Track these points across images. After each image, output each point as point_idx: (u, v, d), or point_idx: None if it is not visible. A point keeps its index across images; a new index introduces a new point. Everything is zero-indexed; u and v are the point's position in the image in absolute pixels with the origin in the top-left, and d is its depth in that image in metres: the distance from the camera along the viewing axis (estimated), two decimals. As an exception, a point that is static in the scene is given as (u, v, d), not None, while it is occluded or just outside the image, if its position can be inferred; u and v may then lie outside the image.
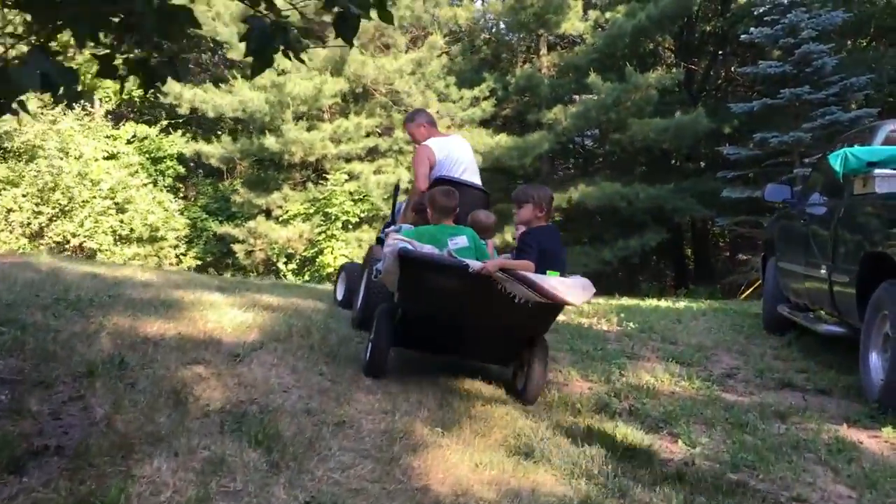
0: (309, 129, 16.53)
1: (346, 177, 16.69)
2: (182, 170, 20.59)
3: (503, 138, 17.10)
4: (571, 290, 3.92)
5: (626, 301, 10.20)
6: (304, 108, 16.27)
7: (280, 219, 17.59)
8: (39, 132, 15.24)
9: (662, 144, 18.13)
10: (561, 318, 7.20)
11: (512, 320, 4.02)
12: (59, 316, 4.34)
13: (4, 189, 14.82)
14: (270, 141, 15.87)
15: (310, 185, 17.84)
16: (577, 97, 18.98)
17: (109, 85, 19.66)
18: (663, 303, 10.19)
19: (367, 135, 17.70)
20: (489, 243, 4.68)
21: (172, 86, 16.56)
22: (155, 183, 19.47)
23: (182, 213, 20.06)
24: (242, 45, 10.50)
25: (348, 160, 17.46)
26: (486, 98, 18.46)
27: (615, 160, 21.83)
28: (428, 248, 4.01)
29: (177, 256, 19.02)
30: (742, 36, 16.04)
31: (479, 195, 5.38)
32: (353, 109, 17.80)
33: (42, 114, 16.01)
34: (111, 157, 18.20)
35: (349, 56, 15.88)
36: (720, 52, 23.14)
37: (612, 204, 17.27)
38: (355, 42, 13.03)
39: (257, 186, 18.98)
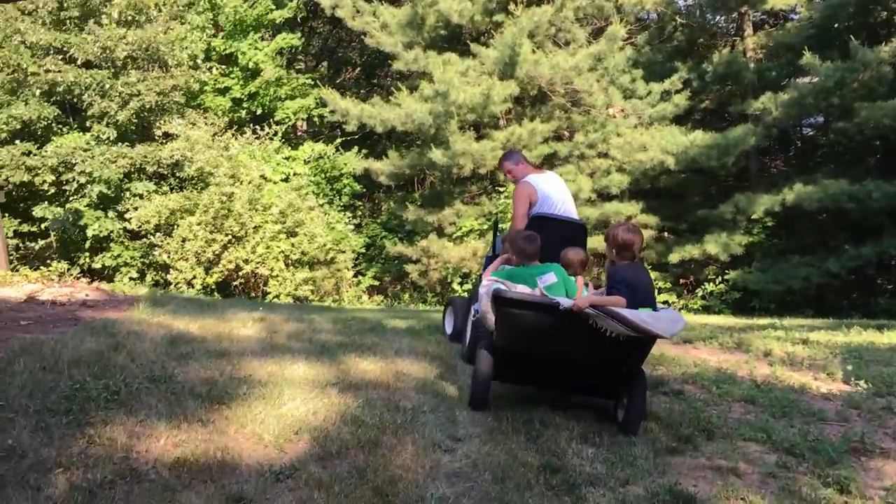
0: (478, 139, 16.70)
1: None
2: (358, 187, 21.63)
3: (699, 135, 16.34)
4: (661, 322, 4.39)
5: (856, 336, 9.01)
6: (471, 117, 16.47)
7: (453, 236, 17.94)
8: (211, 158, 16.55)
9: (901, 131, 16.50)
10: (763, 371, 6.71)
11: (605, 354, 4.50)
12: (44, 429, 3.73)
13: (181, 218, 16.21)
14: (437, 154, 16.20)
15: (484, 198, 18.04)
16: (790, 82, 17.78)
17: (290, 105, 21.20)
18: (911, 336, 9.00)
19: (545, 140, 17.62)
20: (579, 279, 5.20)
21: (338, 102, 17.47)
22: (331, 202, 20.63)
23: (360, 232, 21.10)
24: (408, 55, 10.93)
25: (524, 170, 17.42)
26: (678, 91, 17.79)
27: (840, 153, 20.13)
28: (521, 288, 4.61)
29: (355, 276, 19.98)
30: None
31: (577, 228, 6.02)
32: (528, 114, 17.77)
33: (214, 139, 17.46)
34: (285, 179, 19.52)
35: (520, 56, 15.89)
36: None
37: (837, 205, 15.92)
38: (527, 39, 12.94)
39: (430, 202, 19.50)
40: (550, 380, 4.93)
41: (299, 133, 24.29)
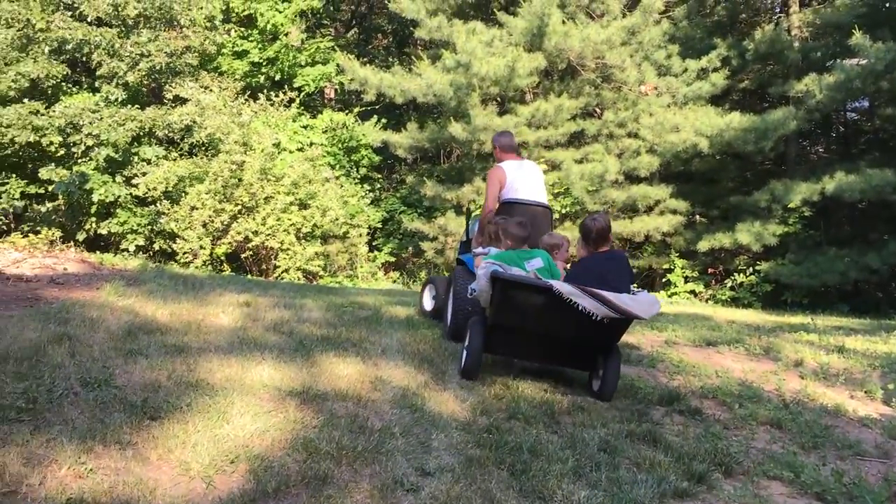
0: (501, 114, 15.96)
1: (544, 167, 15.95)
2: (377, 159, 20.97)
3: (736, 118, 15.45)
4: (640, 305, 4.95)
5: (896, 343, 8.29)
6: (495, 90, 15.70)
7: (474, 215, 17.25)
8: (222, 125, 15.98)
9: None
10: (793, 385, 6.02)
11: (588, 332, 5.03)
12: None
13: (190, 185, 15.70)
14: (457, 128, 15.48)
15: (505, 176, 17.29)
16: (836, 63, 16.77)
17: (309, 72, 20.54)
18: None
19: (572, 117, 16.83)
20: (559, 263, 5.65)
21: (356, 70, 16.78)
22: (348, 174, 20.02)
23: (378, 206, 20.48)
24: (432, 22, 10.41)
25: (548, 147, 16.70)
26: (716, 69, 16.92)
27: (885, 140, 19.13)
28: (515, 271, 5.07)
29: (371, 251, 19.40)
30: None
31: (543, 211, 6.53)
32: (555, 89, 16.97)
33: (226, 105, 16.87)
34: (301, 149, 18.93)
35: (549, 27, 15.07)
36: None
37: (880, 196, 15.01)
38: (557, 9, 12.20)
39: (451, 178, 18.83)
40: (536, 353, 5.48)
41: (327, 100, 23.64)
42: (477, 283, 5.14)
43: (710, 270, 17.99)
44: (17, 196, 16.20)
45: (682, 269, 17.09)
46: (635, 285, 5.41)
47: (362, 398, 4.40)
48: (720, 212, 17.80)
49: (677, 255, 17.32)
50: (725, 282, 17.02)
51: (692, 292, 16.93)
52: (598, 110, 17.94)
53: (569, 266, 5.85)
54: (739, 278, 16.46)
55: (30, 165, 16.72)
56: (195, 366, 4.54)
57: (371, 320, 6.97)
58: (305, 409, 4.07)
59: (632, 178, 16.68)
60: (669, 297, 16.31)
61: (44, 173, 15.85)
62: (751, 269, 16.50)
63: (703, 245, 16.55)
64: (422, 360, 5.49)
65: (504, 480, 3.58)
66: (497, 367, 5.65)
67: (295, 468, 3.32)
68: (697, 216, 18.27)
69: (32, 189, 16.53)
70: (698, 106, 16.63)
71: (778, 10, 19.17)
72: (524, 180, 6.61)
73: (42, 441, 3.19)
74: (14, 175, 16.44)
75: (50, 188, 16.13)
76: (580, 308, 4.77)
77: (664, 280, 17.50)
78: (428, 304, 7.56)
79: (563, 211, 16.07)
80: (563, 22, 15.80)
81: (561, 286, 4.82)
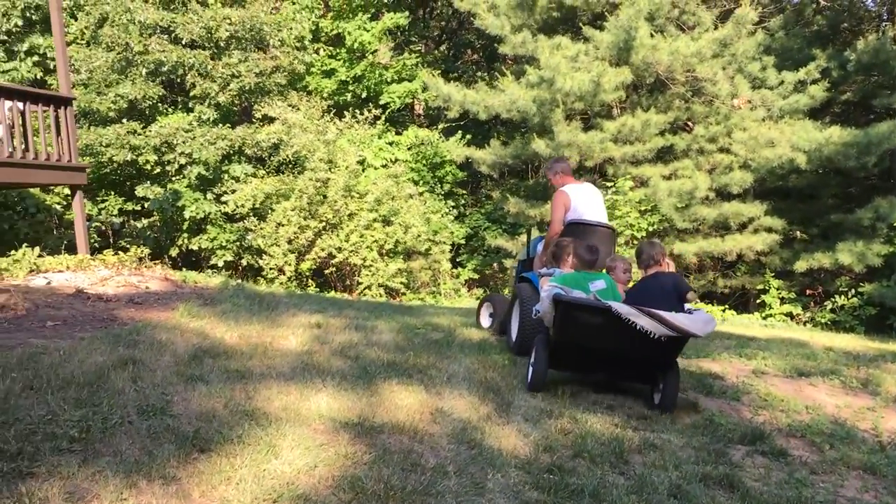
0: (586, 130, 15.64)
1: (630, 184, 15.56)
2: (461, 175, 20.94)
3: (836, 131, 14.69)
4: (696, 323, 5.19)
5: None
6: (579, 106, 15.40)
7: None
8: (308, 143, 16.23)
9: None
10: (892, 424, 5.57)
11: (646, 349, 5.27)
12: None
13: (276, 203, 15.99)
14: (540, 144, 15.26)
15: (590, 193, 16.92)
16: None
17: (395, 89, 20.73)
18: None
19: (661, 133, 16.37)
20: (619, 286, 5.90)
21: (440, 87, 16.79)
22: (432, 190, 20.03)
23: (462, 222, 20.41)
24: (516, 38, 10.45)
25: (635, 163, 16.28)
26: (815, 81, 16.19)
27: None
28: (577, 293, 5.44)
29: (454, 268, 19.33)
30: None
31: (606, 232, 6.81)
32: (643, 103, 16.55)
33: (312, 123, 17.14)
34: (385, 165, 19.06)
35: (636, 40, 14.70)
36: None
37: None
38: (645, 22, 11.91)
39: (535, 195, 18.60)
40: (598, 369, 5.80)
41: (415, 116, 23.77)
42: (540, 305, 5.57)
43: (808, 292, 17.16)
44: (116, 213, 16.87)
45: (777, 289, 16.33)
46: (693, 303, 5.75)
47: (419, 431, 4.26)
48: (819, 230, 16.95)
49: (773, 275, 16.58)
50: (825, 304, 16.17)
51: (789, 314, 16.15)
52: (689, 125, 17.40)
53: (629, 286, 6.14)
54: (840, 300, 15.61)
55: (127, 183, 17.41)
56: (254, 393, 4.50)
57: (442, 344, 6.85)
58: (358, 442, 3.96)
59: (723, 194, 16.08)
60: (764, 318, 15.60)
61: (140, 191, 16.47)
62: (853, 290, 15.64)
63: (801, 265, 15.79)
64: (487, 390, 5.32)
65: (559, 532, 3.37)
66: (566, 399, 5.42)
67: (338, 510, 3.20)
68: (796, 234, 17.45)
69: (130, 206, 17.20)
70: (795, 119, 15.92)
71: (885, 17, 18.21)
72: (588, 203, 6.94)
73: (88, 474, 3.17)
74: (113, 192, 17.13)
75: (146, 205, 16.74)
76: (638, 327, 5.10)
77: (758, 301, 16.77)
78: (485, 321, 8.10)
79: (651, 229, 15.60)
80: (652, 35, 15.41)
81: (619, 307, 5.16)
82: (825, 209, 17.09)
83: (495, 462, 3.98)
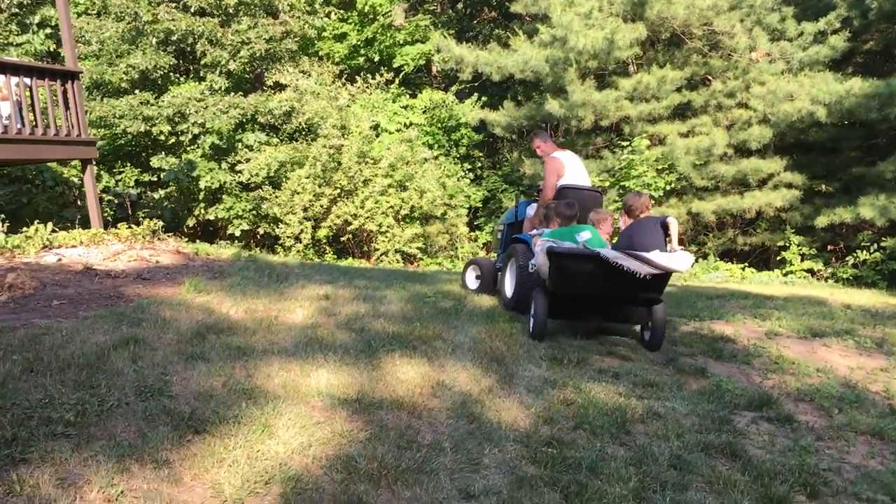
0: (600, 88, 15.37)
1: (647, 142, 15.31)
2: (477, 137, 20.76)
3: (857, 83, 14.30)
4: (676, 261, 5.70)
5: None
6: (593, 64, 15.11)
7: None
8: (320, 109, 16.12)
9: None
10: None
11: (635, 289, 5.83)
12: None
13: (291, 171, 15.95)
14: (554, 105, 15.03)
15: (607, 152, 16.74)
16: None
17: (408, 51, 20.47)
18: None
19: (678, 89, 16.07)
20: (604, 235, 6.45)
21: (452, 48, 16.55)
22: (447, 153, 19.87)
23: (479, 184, 20.26)
24: None
25: (651, 121, 16.01)
26: (836, 31, 15.72)
27: None
28: (567, 244, 5.95)
29: (472, 231, 19.26)
30: None
31: (595, 195, 7.46)
32: (659, 60, 16.22)
33: (324, 88, 17.00)
34: (400, 129, 18.90)
35: (651, -6, 14.38)
36: None
37: None
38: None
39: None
40: (592, 313, 6.36)
41: (431, 77, 23.49)
42: (536, 259, 6.14)
43: (829, 247, 16.89)
44: (132, 184, 16.93)
45: (798, 246, 16.09)
46: (670, 247, 6.08)
47: (418, 406, 4.24)
48: (841, 184, 16.61)
49: (793, 231, 16.32)
50: (846, 259, 15.92)
51: (810, 271, 15.92)
52: (709, 79, 17.05)
53: (614, 239, 6.73)
54: (862, 255, 15.35)
55: (143, 155, 17.45)
56: (254, 370, 4.50)
57: (450, 313, 6.81)
58: (356, 419, 3.95)
59: (742, 150, 15.80)
60: (784, 275, 15.40)
61: (155, 161, 16.49)
62: (875, 245, 15.36)
63: (822, 220, 15.51)
64: (492, 360, 5.29)
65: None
66: (572, 368, 5.37)
67: (330, 490, 3.19)
68: (818, 188, 17.12)
69: (146, 177, 17.25)
70: (815, 72, 15.53)
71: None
72: (577, 170, 7.60)
73: (81, 459, 3.18)
74: (129, 164, 17.18)
75: (161, 176, 16.77)
76: (625, 269, 5.58)
77: (778, 258, 16.55)
78: (471, 283, 8.47)
79: (668, 187, 15.39)
80: (667, -12, 15.04)
81: (607, 252, 5.67)
82: (846, 163, 16.72)
83: (493, 436, 3.97)
